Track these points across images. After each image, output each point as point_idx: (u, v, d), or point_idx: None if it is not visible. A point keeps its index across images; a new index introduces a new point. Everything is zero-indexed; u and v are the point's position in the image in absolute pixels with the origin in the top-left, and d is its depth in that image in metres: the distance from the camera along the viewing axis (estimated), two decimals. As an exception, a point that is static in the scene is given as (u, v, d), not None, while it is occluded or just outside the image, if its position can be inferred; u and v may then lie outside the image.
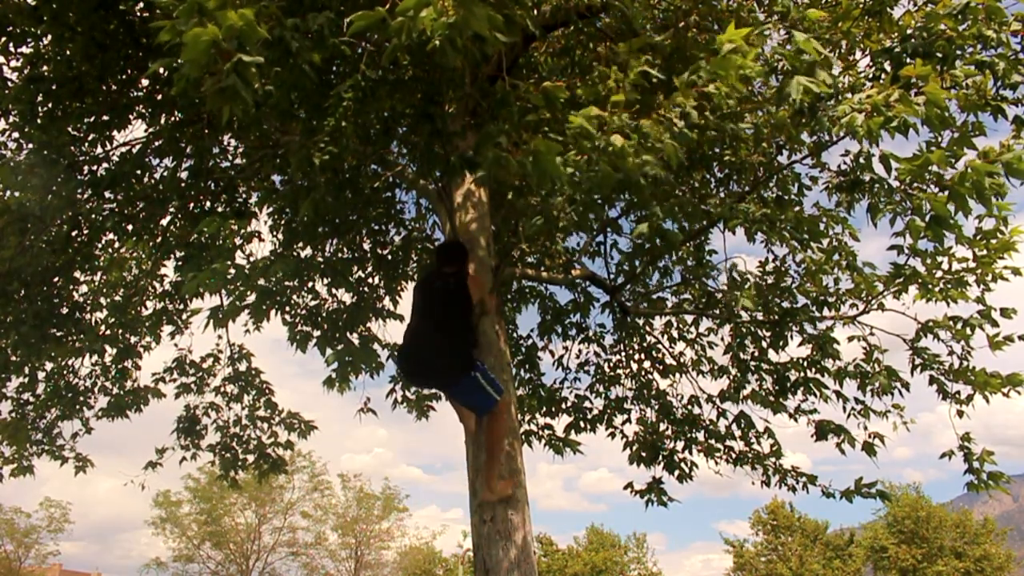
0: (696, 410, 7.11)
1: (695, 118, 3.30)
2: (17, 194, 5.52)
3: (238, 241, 6.46)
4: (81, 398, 7.60)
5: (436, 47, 2.75)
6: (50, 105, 5.00)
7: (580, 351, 7.47)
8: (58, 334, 6.71)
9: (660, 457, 6.93)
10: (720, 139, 4.62)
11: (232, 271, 5.07)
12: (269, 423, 8.02)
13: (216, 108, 2.71)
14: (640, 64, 3.45)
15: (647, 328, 7.36)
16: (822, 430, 6.50)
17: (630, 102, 3.43)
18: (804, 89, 3.49)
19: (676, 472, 6.92)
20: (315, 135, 3.89)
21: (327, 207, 4.86)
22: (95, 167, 5.80)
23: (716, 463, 6.89)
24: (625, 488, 6.99)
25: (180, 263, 6.71)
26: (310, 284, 7.29)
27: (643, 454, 6.94)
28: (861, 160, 4.89)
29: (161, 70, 5.12)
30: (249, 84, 2.63)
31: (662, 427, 7.08)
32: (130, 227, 6.10)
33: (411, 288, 7.56)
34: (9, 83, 4.90)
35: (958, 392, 5.90)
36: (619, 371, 7.40)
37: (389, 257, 7.44)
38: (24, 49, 4.91)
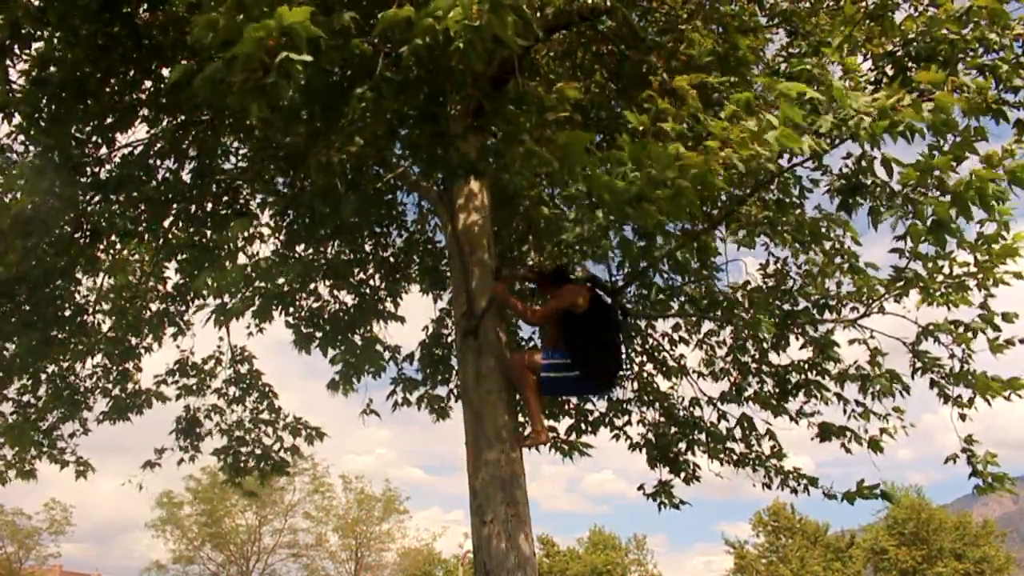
0: (697, 412, 7.10)
1: (741, 169, 3.25)
2: (20, 197, 5.54)
3: (240, 243, 6.48)
4: (81, 400, 7.61)
5: (458, 48, 2.77)
6: (54, 107, 5.01)
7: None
8: (61, 337, 6.72)
9: (666, 460, 6.94)
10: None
11: (248, 271, 5.11)
12: (274, 427, 8.02)
13: (241, 106, 2.73)
14: (695, 99, 3.40)
15: (649, 330, 7.35)
16: (825, 431, 6.50)
17: (681, 135, 3.38)
18: (832, 124, 3.51)
19: (682, 474, 6.93)
20: (326, 136, 3.90)
21: (352, 210, 4.90)
22: (97, 169, 5.81)
23: (721, 464, 6.89)
24: (638, 489, 7.02)
25: (182, 265, 6.73)
26: (312, 286, 7.31)
27: (655, 454, 6.95)
28: (863, 163, 4.89)
29: (166, 71, 5.15)
30: (295, 82, 2.66)
31: (666, 429, 7.08)
32: (133, 229, 6.11)
33: (413, 290, 7.61)
34: (15, 85, 4.90)
35: (959, 396, 5.89)
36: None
37: (391, 259, 7.45)
38: (29, 51, 4.92)
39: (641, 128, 3.14)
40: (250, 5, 2.62)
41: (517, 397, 4.94)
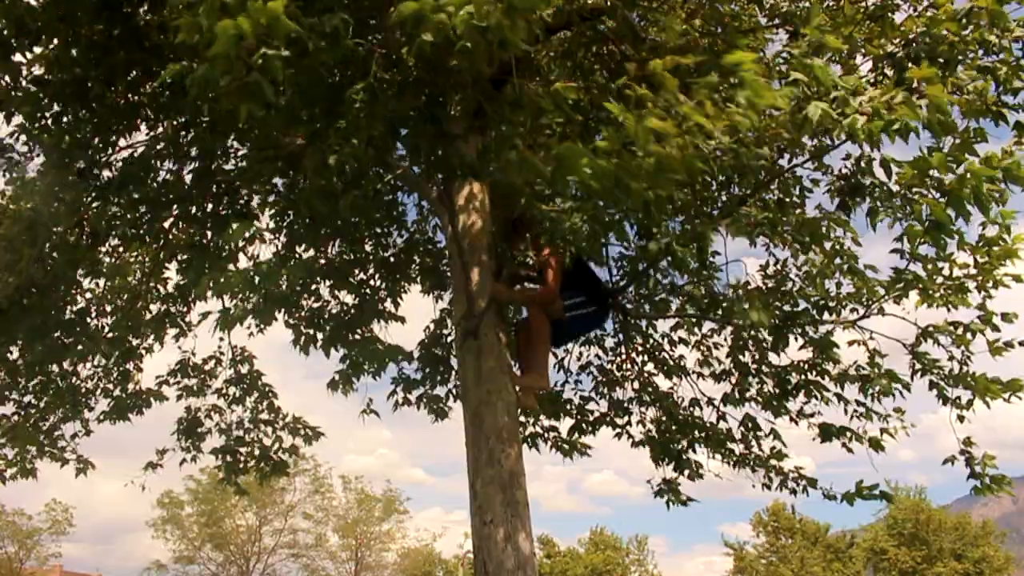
0: (697, 412, 7.11)
1: (726, 143, 3.20)
2: (29, 205, 5.55)
3: (240, 243, 6.49)
4: (83, 401, 7.62)
5: (464, 48, 2.74)
6: (55, 108, 5.01)
7: (581, 353, 7.49)
8: (65, 339, 6.72)
9: (669, 458, 6.95)
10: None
11: (251, 274, 5.12)
12: (273, 427, 8.03)
13: (232, 107, 2.71)
14: (673, 84, 3.37)
15: (649, 330, 7.36)
16: (826, 431, 6.50)
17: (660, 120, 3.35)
18: (823, 112, 3.48)
19: (686, 472, 6.94)
20: (324, 138, 3.90)
21: (357, 210, 4.93)
22: (99, 171, 5.81)
23: (723, 462, 6.91)
24: (648, 482, 7.04)
25: (183, 265, 6.74)
26: (313, 287, 7.31)
27: (659, 451, 6.97)
28: (862, 164, 4.89)
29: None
30: (275, 80, 2.64)
31: (667, 426, 7.09)
32: (134, 231, 6.12)
33: (413, 290, 7.64)
34: (18, 85, 4.91)
35: (958, 397, 5.89)
36: (620, 373, 7.41)
37: (391, 259, 7.46)
38: (30, 53, 4.92)
39: (623, 118, 3.11)
40: (233, 6, 2.58)
41: (517, 392, 4.94)
